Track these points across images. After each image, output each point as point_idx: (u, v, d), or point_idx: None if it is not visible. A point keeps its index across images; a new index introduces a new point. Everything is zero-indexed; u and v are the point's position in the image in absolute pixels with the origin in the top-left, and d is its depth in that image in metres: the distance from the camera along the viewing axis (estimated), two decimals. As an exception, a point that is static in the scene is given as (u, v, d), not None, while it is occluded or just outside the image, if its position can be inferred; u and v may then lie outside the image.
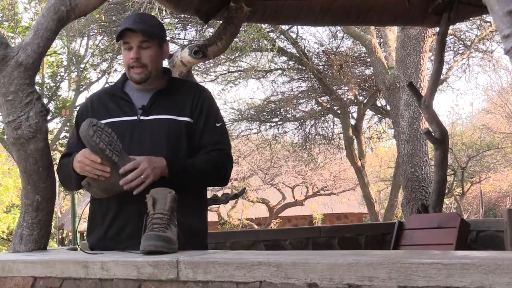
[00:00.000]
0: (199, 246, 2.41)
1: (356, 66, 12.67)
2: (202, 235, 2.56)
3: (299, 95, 13.61)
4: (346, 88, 12.87)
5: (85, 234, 2.96)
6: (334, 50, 12.56)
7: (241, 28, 5.10)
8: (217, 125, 2.57)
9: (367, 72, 12.63)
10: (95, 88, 24.12)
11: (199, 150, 2.52)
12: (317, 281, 1.73)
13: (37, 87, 2.65)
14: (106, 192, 2.39)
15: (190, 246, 2.30)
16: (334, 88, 12.89)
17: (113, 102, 2.57)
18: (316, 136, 14.42)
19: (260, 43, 11.33)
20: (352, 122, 13.39)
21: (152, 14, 9.00)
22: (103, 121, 2.41)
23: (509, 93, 18.97)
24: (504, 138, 17.63)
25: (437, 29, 5.13)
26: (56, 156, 15.42)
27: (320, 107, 13.72)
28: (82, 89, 15.81)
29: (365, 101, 13.35)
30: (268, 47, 11.28)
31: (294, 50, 12.28)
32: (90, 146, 2.29)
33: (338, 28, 11.75)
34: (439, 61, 5.13)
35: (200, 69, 12.41)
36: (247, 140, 15.65)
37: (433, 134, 5.24)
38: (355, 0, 4.64)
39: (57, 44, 15.30)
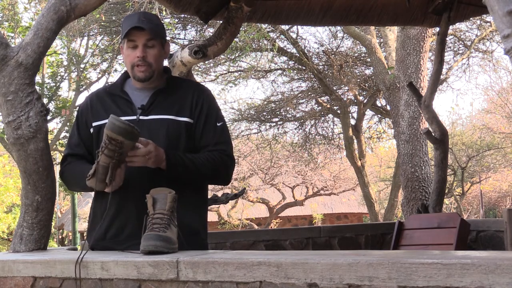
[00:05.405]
0: (199, 246, 2.41)
1: (356, 66, 12.66)
2: (202, 235, 2.55)
3: (299, 95, 13.61)
4: (346, 88, 12.86)
5: (85, 234, 2.96)
6: (334, 50, 12.55)
7: (241, 28, 5.09)
8: (218, 124, 2.55)
9: (367, 72, 12.63)
10: (95, 88, 24.15)
11: (200, 150, 2.52)
12: (317, 281, 1.73)
13: (37, 87, 2.65)
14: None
15: (190, 246, 2.30)
16: (334, 88, 12.88)
17: (112, 101, 2.56)
18: (316, 136, 14.41)
19: (260, 43, 11.32)
20: (352, 122, 13.38)
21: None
22: (102, 121, 2.45)
23: (509, 93, 18.95)
24: (504, 138, 17.61)
25: (437, 29, 5.13)
26: (56, 156, 15.39)
27: (320, 107, 13.71)
28: (82, 89, 15.80)
29: (365, 101, 13.34)
30: (268, 47, 11.27)
31: (294, 50, 12.27)
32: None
33: (338, 28, 11.74)
34: (439, 61, 5.13)
35: (200, 69, 12.40)
36: (247, 140, 15.64)
37: (433, 134, 5.24)
38: (355, 0, 4.65)
39: (57, 44, 15.30)
